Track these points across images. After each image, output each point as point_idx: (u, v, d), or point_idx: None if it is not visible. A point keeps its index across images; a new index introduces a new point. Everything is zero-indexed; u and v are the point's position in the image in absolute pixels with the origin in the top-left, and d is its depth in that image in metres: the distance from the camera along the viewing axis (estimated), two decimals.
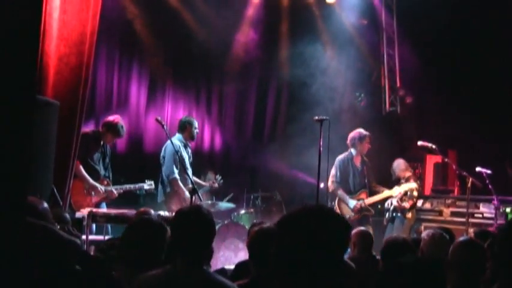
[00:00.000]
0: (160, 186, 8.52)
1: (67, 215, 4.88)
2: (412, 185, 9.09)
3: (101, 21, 6.95)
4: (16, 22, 2.31)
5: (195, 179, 8.48)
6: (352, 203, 8.92)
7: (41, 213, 3.59)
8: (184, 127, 8.64)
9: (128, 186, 8.15)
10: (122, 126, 8.14)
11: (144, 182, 8.26)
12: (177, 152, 8.08)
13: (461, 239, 4.12)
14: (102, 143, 8.08)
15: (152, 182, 8.29)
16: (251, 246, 4.08)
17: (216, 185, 9.01)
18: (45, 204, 3.70)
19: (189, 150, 8.72)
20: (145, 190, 8.30)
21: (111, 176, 8.23)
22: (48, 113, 5.84)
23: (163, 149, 8.54)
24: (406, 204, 9.27)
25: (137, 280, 3.35)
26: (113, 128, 8.06)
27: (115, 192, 7.97)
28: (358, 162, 9.20)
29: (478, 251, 3.92)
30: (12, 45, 2.30)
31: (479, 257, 3.87)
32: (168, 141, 8.17)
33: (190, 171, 8.33)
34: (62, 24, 6.52)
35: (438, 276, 2.49)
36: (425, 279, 2.43)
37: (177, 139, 8.45)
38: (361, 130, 9.19)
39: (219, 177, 9.10)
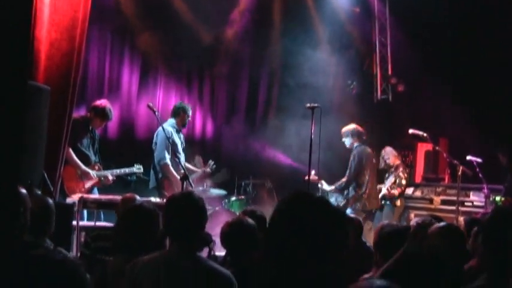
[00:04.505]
0: (152, 172, 8.52)
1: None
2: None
3: (93, 7, 6.90)
4: (7, 7, 2.29)
5: (187, 165, 8.47)
6: None
7: (22, 200, 3.57)
8: (178, 113, 8.62)
9: (117, 171, 8.12)
10: (110, 110, 8.10)
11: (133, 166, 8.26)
12: (168, 138, 8.06)
13: (439, 224, 4.07)
14: (90, 128, 8.05)
15: (141, 166, 8.27)
16: (223, 241, 4.18)
17: (209, 169, 8.94)
18: (24, 190, 3.68)
19: (182, 136, 8.70)
20: (135, 174, 8.30)
21: (100, 161, 8.22)
22: (40, 99, 5.81)
23: (155, 135, 8.53)
24: (395, 192, 9.34)
25: (132, 264, 3.38)
26: (101, 111, 8.02)
27: (110, 177, 7.96)
28: None
29: (456, 236, 3.91)
30: (3, 31, 2.28)
31: (457, 242, 3.86)
32: (160, 128, 8.15)
33: (182, 157, 8.32)
34: (53, 10, 6.48)
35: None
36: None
37: (169, 124, 8.43)
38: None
39: (211, 162, 9.00)
